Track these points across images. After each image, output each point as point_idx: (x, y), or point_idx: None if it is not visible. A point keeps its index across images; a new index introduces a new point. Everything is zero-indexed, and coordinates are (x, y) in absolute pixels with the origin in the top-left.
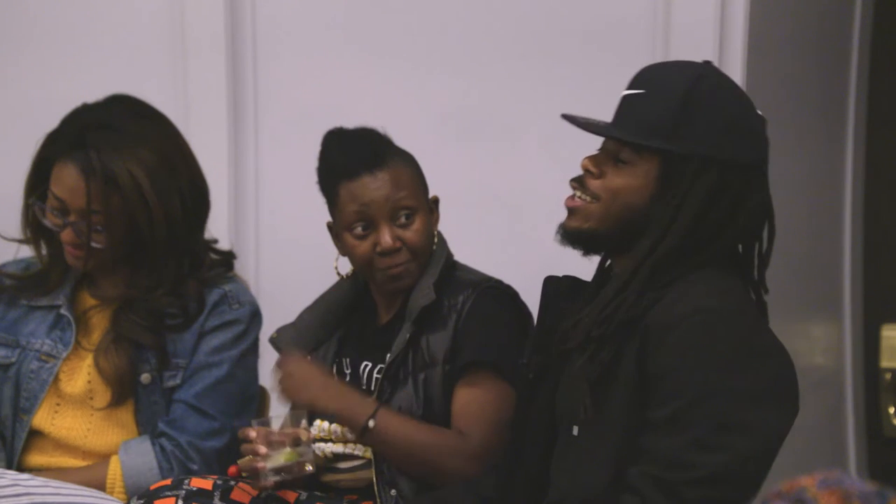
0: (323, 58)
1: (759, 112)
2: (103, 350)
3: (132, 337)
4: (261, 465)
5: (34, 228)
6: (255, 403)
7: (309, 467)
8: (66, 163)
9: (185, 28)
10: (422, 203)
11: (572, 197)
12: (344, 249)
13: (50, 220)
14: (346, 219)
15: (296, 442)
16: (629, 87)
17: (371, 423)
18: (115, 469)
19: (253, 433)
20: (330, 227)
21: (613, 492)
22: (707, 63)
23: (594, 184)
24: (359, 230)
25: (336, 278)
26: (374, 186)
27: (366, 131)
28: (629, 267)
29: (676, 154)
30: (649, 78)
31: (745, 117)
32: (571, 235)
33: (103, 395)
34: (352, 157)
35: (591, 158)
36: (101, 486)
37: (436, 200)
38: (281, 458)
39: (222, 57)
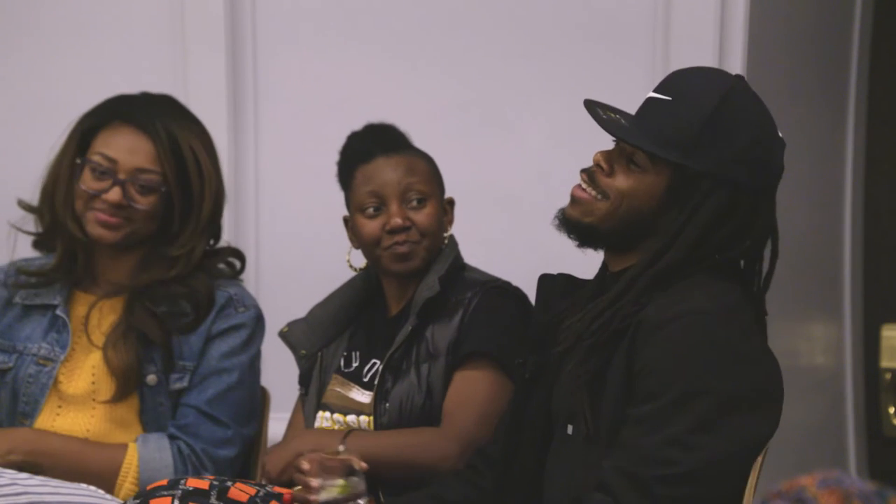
0: (323, 56)
1: (780, 135)
2: (112, 343)
3: (142, 329)
4: (313, 497)
5: (57, 209)
6: (260, 410)
7: (360, 501)
8: (120, 126)
9: (185, 28)
10: (435, 194)
11: (580, 187)
12: (356, 236)
13: (90, 184)
14: (359, 200)
15: (349, 471)
16: (656, 90)
17: (341, 447)
18: (132, 457)
19: (306, 465)
20: (345, 220)
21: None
22: (739, 78)
23: (604, 181)
24: (370, 210)
25: (345, 272)
26: (389, 168)
27: (386, 125)
28: (628, 276)
29: (691, 170)
30: (678, 86)
31: (765, 142)
32: (570, 224)
33: (108, 389)
34: (369, 143)
35: (605, 154)
36: (115, 471)
37: (451, 202)
38: (335, 490)
39: (222, 57)
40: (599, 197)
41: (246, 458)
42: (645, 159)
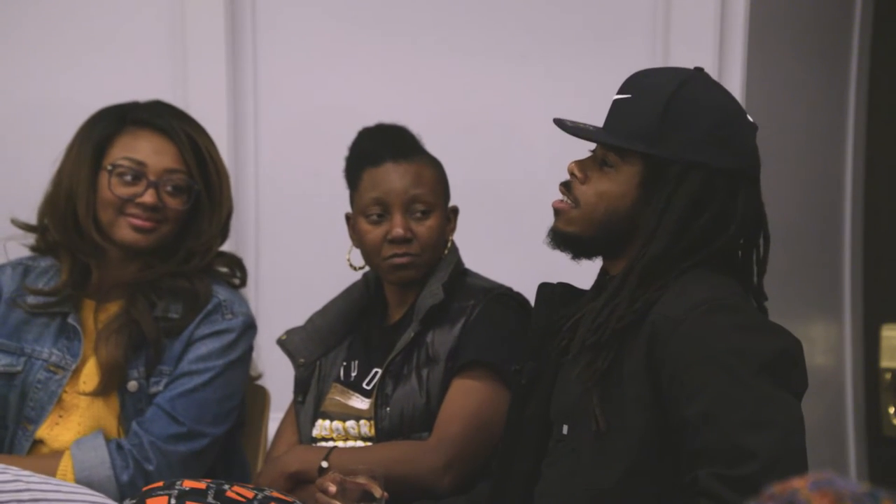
0: (323, 58)
1: (751, 119)
2: (106, 336)
3: (139, 321)
4: None
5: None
6: (234, 415)
7: None
8: (138, 131)
9: (186, 28)
10: (440, 205)
11: (559, 199)
12: (357, 237)
13: (121, 190)
14: (363, 204)
15: (368, 498)
16: (619, 92)
17: (324, 464)
18: (66, 463)
19: (332, 487)
20: (348, 217)
21: (627, 487)
22: (698, 69)
23: (578, 188)
24: (374, 216)
25: (346, 274)
26: (396, 175)
27: (399, 127)
28: (620, 274)
29: (659, 158)
30: (637, 83)
31: (730, 123)
32: (557, 238)
33: (92, 382)
34: (380, 146)
35: (578, 163)
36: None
37: (455, 210)
38: None
39: (222, 57)
40: (574, 205)
41: (223, 456)
42: (615, 158)
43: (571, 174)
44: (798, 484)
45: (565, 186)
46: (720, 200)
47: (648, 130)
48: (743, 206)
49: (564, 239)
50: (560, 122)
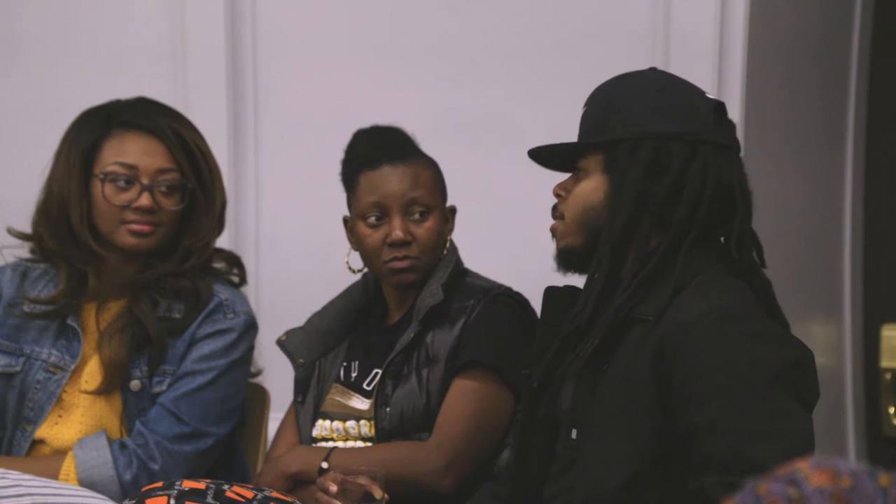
0: (323, 60)
1: (710, 96)
2: (109, 334)
3: (143, 320)
4: None
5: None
6: (237, 414)
7: None
8: (125, 133)
9: (186, 29)
10: (438, 206)
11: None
12: (356, 241)
13: (117, 197)
14: (361, 207)
15: (369, 498)
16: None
17: (325, 465)
18: (68, 463)
19: (333, 487)
20: (345, 220)
21: (631, 492)
22: (651, 69)
23: (562, 204)
24: (372, 220)
25: (345, 278)
26: (394, 178)
27: (394, 129)
28: (595, 259)
29: (612, 142)
30: (592, 94)
31: (672, 92)
32: (560, 259)
33: (95, 381)
34: (376, 148)
35: (559, 184)
36: (54, 478)
37: (453, 210)
38: None
39: (222, 57)
40: (560, 219)
41: (222, 456)
42: (584, 163)
43: (556, 195)
44: (800, 464)
45: (553, 208)
46: (677, 168)
47: (598, 123)
48: (699, 170)
49: (563, 255)
50: (533, 154)
